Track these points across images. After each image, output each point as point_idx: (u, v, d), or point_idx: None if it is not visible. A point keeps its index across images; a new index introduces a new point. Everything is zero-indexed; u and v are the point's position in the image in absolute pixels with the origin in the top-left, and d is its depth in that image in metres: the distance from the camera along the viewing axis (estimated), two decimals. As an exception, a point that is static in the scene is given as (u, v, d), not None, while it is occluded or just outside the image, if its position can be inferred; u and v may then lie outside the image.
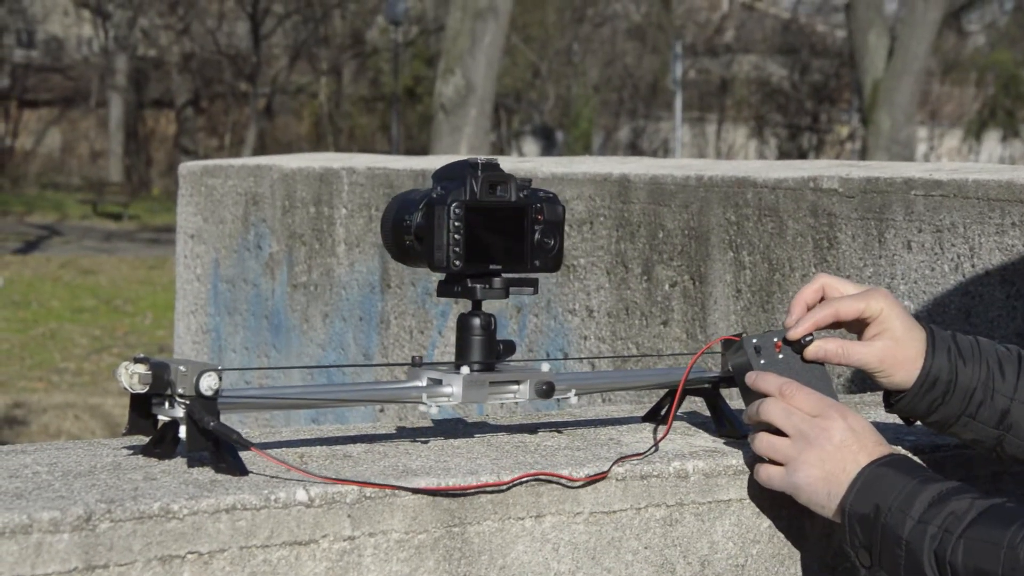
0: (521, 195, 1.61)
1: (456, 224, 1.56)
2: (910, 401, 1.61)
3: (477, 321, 1.62)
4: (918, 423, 1.68)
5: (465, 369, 1.58)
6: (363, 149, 31.22)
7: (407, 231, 1.59)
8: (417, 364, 1.60)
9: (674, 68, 31.19)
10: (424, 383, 1.58)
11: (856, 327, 1.64)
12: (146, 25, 34.43)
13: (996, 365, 1.60)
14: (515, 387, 1.62)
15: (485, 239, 1.59)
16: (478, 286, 1.60)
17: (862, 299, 1.61)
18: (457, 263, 1.57)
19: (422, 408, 1.56)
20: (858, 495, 1.48)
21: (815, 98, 35.89)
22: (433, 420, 1.69)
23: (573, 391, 1.66)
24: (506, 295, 1.62)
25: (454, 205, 1.56)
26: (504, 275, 1.61)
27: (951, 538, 1.41)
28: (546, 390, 1.62)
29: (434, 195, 1.58)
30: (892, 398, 1.64)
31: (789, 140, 35.86)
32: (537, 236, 1.62)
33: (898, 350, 1.60)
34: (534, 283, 1.64)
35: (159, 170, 34.65)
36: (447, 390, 1.57)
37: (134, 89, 35.02)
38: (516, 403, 1.64)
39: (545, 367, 1.64)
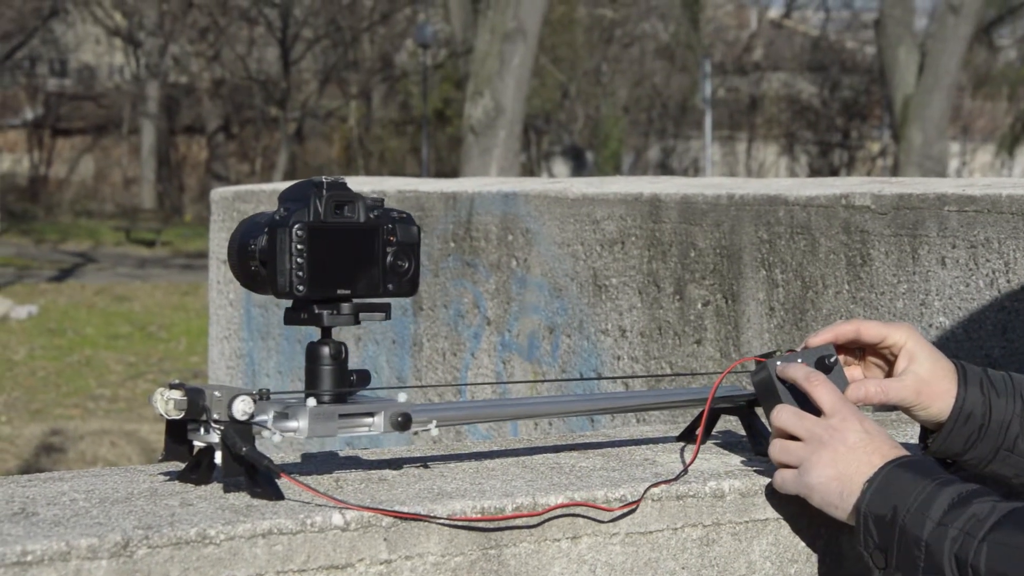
0: (371, 215, 1.53)
1: (299, 247, 1.48)
2: (946, 438, 1.61)
3: (326, 350, 1.53)
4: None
5: (311, 401, 1.50)
6: (393, 172, 31.30)
7: (252, 256, 1.50)
8: (264, 397, 1.49)
9: (703, 87, 31.16)
10: (270, 417, 1.48)
11: (882, 364, 1.67)
12: (177, 52, 34.65)
13: None
14: (368, 419, 1.53)
15: (332, 262, 1.50)
16: (325, 312, 1.52)
17: (885, 327, 1.64)
18: (301, 288, 1.48)
19: (265, 434, 1.47)
20: (874, 496, 1.47)
21: (846, 115, 35.81)
22: (469, 441, 1.68)
23: (434, 422, 1.57)
24: (356, 321, 1.54)
25: (296, 227, 1.48)
26: (354, 300, 1.53)
27: (973, 541, 1.40)
28: (402, 422, 1.53)
29: (277, 217, 1.50)
30: (928, 438, 1.64)
31: (820, 157, 35.77)
32: (390, 259, 1.54)
33: (931, 380, 1.61)
34: (386, 308, 1.56)
35: (191, 196, 34.84)
36: (293, 424, 1.48)
37: (166, 116, 35.25)
38: (371, 435, 1.55)
39: (402, 397, 1.55)
